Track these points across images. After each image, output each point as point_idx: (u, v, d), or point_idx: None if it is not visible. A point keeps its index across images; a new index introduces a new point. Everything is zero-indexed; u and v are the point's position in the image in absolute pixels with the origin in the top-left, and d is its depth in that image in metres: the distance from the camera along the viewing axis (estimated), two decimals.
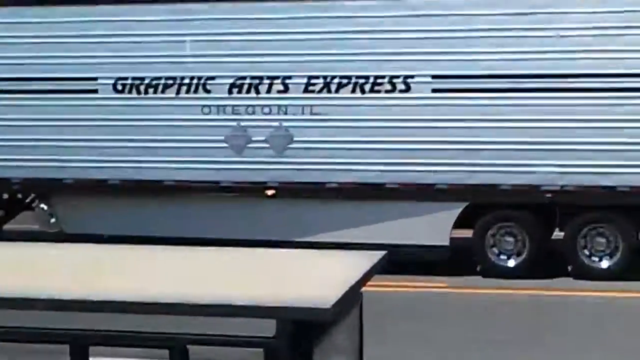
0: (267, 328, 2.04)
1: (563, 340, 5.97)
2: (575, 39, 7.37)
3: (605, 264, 7.64)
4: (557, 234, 8.00)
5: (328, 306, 2.11)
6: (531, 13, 7.37)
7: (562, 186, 7.47)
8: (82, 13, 8.29)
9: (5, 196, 9.19)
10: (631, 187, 7.31)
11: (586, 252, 7.67)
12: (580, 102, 7.28)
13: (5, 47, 8.38)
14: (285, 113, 7.82)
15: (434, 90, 7.65)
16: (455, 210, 7.70)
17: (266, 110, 7.88)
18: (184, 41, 7.83)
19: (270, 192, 7.90)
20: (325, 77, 7.73)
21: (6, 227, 9.26)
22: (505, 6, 7.51)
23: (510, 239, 7.73)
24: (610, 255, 7.64)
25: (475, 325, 6.32)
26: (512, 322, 6.56)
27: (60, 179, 8.43)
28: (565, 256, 7.87)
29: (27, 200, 9.29)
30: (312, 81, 7.75)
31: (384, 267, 2.82)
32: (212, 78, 7.82)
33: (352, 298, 2.60)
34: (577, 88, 7.28)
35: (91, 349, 2.06)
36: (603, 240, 7.61)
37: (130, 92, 8.04)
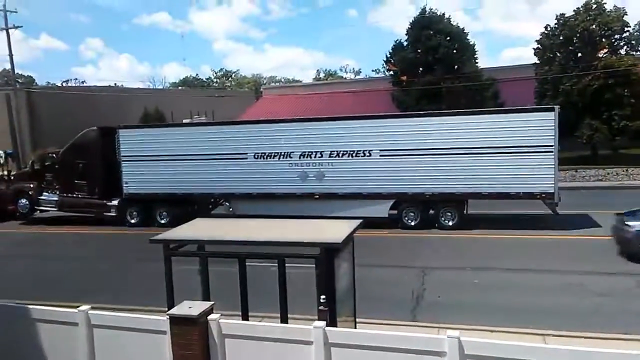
0: (313, 252, 6.83)
1: (426, 254, 16.77)
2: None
3: (451, 222, 18.42)
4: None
5: (340, 241, 7.00)
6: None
7: (431, 194, 18.32)
8: (237, 128, 20.41)
9: (212, 200, 21.74)
10: (455, 193, 18.00)
11: (443, 218, 18.50)
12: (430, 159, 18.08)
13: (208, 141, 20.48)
14: (321, 165, 19.19)
15: (381, 155, 18.74)
16: (390, 201, 18.79)
17: (314, 163, 19.31)
18: (281, 139, 19.53)
19: (316, 197, 19.43)
20: (337, 151, 19.02)
21: (213, 212, 21.73)
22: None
23: (412, 214, 18.77)
24: (453, 219, 18.43)
25: (394, 247, 17.33)
26: (411, 248, 17.43)
27: (233, 193, 20.53)
28: (434, 220, 18.46)
29: (220, 201, 21.77)
30: (331, 152, 19.09)
31: (362, 225, 8.00)
32: (292, 152, 19.42)
33: (349, 238, 7.60)
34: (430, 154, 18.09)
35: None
36: (449, 214, 18.44)
37: (260, 158, 19.84)
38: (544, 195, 17.20)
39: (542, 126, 16.92)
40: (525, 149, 16.98)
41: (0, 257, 17.43)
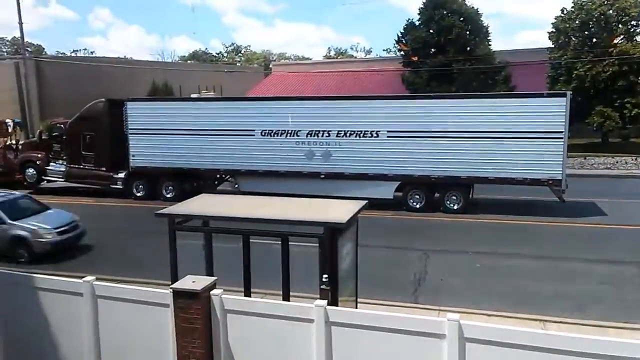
0: (317, 231, 6.93)
1: (430, 237, 16.82)
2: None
3: (456, 206, 18.40)
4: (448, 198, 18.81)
5: (344, 221, 7.07)
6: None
7: (437, 177, 18.26)
8: (245, 104, 20.33)
9: (218, 176, 21.76)
10: (461, 177, 17.91)
11: (448, 202, 18.47)
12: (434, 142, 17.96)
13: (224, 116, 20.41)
14: (328, 144, 19.10)
15: (389, 137, 18.63)
16: (395, 183, 18.76)
17: (321, 143, 19.23)
18: (288, 117, 19.42)
19: (322, 176, 19.39)
20: (345, 131, 18.90)
21: (218, 188, 21.80)
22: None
23: (417, 196, 18.74)
24: (458, 203, 18.40)
25: (398, 229, 17.39)
26: (415, 230, 17.48)
27: (239, 169, 20.52)
28: (439, 203, 18.56)
29: (226, 177, 21.80)
30: (339, 132, 18.98)
31: (366, 206, 8.04)
32: (299, 131, 19.33)
33: (354, 219, 7.58)
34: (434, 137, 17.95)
35: None
36: (454, 197, 18.39)
37: (267, 135, 19.77)
38: (551, 181, 17.10)
39: (553, 112, 16.72)
40: (535, 135, 16.81)
41: None
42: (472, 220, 17.26)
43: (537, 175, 17.07)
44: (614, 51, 29.58)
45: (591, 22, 31.06)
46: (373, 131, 18.52)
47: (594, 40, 31.38)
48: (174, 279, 7.27)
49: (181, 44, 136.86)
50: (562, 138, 16.66)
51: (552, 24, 32.50)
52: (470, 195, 18.47)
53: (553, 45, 32.68)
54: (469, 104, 17.93)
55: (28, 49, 47.29)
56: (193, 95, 31.34)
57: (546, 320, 9.09)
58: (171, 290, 6.04)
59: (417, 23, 34.53)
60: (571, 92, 17.67)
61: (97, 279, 6.66)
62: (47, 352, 6.72)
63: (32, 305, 6.76)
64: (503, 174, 17.31)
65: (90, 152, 22.19)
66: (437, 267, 12.47)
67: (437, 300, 10.13)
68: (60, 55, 65.65)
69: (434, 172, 18.06)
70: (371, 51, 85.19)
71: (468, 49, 32.73)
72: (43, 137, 23.94)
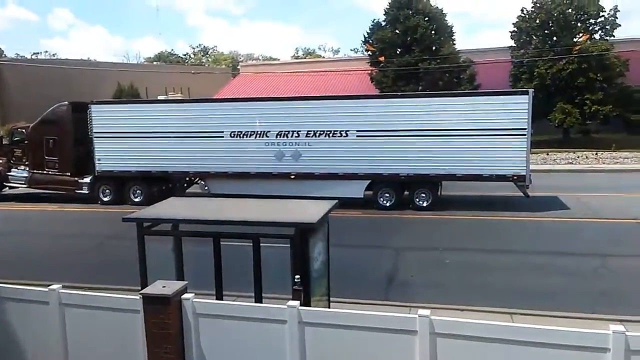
0: (288, 232, 6.93)
1: (400, 235, 17.00)
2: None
3: (425, 203, 18.66)
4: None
5: (315, 221, 7.12)
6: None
7: (406, 175, 18.47)
8: (214, 105, 20.13)
9: (187, 179, 21.46)
10: (430, 174, 18.20)
11: (417, 199, 18.72)
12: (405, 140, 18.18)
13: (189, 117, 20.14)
14: (298, 145, 19.07)
15: (358, 136, 18.75)
16: (365, 182, 18.87)
17: (290, 143, 19.20)
18: (257, 118, 19.33)
19: (292, 177, 19.37)
20: (314, 131, 18.91)
21: (188, 191, 21.51)
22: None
23: (387, 195, 18.92)
24: (427, 201, 18.67)
25: (368, 228, 17.48)
26: (385, 228, 17.59)
27: (209, 172, 20.30)
28: (408, 201, 18.87)
29: (195, 180, 21.53)
30: (308, 132, 18.99)
31: (337, 206, 8.05)
32: (269, 132, 19.25)
33: (324, 218, 7.67)
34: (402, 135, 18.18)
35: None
36: (423, 195, 18.65)
37: (236, 137, 19.62)
38: (515, 177, 17.52)
39: (516, 109, 17.14)
40: (499, 132, 17.20)
41: None
42: (441, 217, 17.54)
43: (503, 172, 17.47)
44: (574, 49, 30.50)
45: (551, 22, 31.96)
46: (342, 131, 18.61)
47: (554, 39, 32.29)
48: (144, 284, 7.17)
49: (146, 46, 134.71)
50: (525, 135, 17.09)
51: (514, 23, 33.32)
52: (439, 193, 18.76)
53: (515, 45, 33.49)
54: (434, 102, 18.22)
55: None
56: (160, 97, 30.89)
57: (514, 313, 9.31)
58: (141, 295, 5.96)
59: (383, 23, 34.88)
60: (533, 90, 18.10)
61: (64, 287, 6.51)
62: None
63: None
64: (470, 170, 17.65)
65: (53, 157, 21.62)
66: (408, 264, 12.63)
67: (408, 297, 10.26)
68: (20, 58, 63.73)
69: (403, 171, 18.28)
70: (339, 51, 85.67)
71: (433, 48, 33.27)
72: (4, 142, 23.21)
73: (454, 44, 34.61)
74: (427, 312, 5.31)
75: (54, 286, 6.40)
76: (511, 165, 17.34)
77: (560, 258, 12.69)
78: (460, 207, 18.39)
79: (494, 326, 5.23)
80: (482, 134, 17.29)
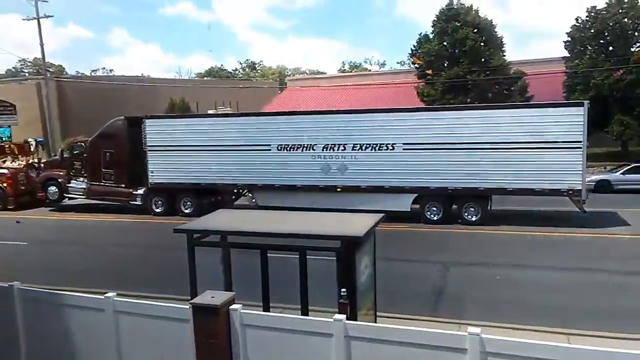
0: (334, 245, 6.94)
1: (448, 249, 16.69)
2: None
3: (474, 218, 18.23)
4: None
5: (361, 234, 7.00)
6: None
7: (454, 189, 18.13)
8: (261, 119, 20.50)
9: (235, 191, 21.89)
10: (479, 188, 17.78)
11: (466, 214, 18.30)
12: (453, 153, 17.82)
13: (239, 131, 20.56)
14: (344, 158, 19.10)
15: (404, 149, 18.58)
16: (412, 195, 18.66)
17: (337, 156, 19.25)
18: (304, 131, 19.49)
19: (338, 189, 19.40)
20: (360, 144, 18.91)
21: (236, 203, 21.92)
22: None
23: (434, 208, 18.61)
24: (477, 215, 18.21)
25: (416, 242, 17.24)
26: (433, 243, 17.30)
27: (256, 184, 20.62)
28: (457, 215, 18.44)
29: (243, 192, 21.93)
30: (354, 145, 18.98)
31: (383, 219, 7.94)
32: (315, 145, 19.38)
33: (371, 232, 7.43)
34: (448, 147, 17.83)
35: None
36: (472, 209, 18.21)
37: (283, 150, 19.85)
38: (571, 192, 16.87)
39: (570, 121, 16.57)
40: (553, 145, 16.66)
41: (34, 243, 17.88)
42: (492, 232, 17.07)
43: (557, 186, 16.87)
44: (631, 59, 29.24)
45: (606, 31, 30.78)
46: (389, 144, 18.51)
47: (610, 48, 31.06)
48: (194, 294, 7.31)
49: (197, 62, 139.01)
50: (580, 147, 16.46)
51: (567, 33, 32.28)
52: (489, 207, 18.29)
53: (569, 55, 32.43)
54: (485, 114, 17.85)
55: (49, 69, 48.37)
56: (210, 112, 31.70)
57: (571, 334, 8.90)
58: (191, 305, 6.07)
59: (430, 36, 34.60)
60: (589, 101, 17.47)
61: (118, 295, 6.73)
62: None
63: (54, 321, 6.84)
64: (521, 184, 17.14)
65: (109, 169, 22.53)
66: (457, 280, 12.33)
67: (457, 313, 10.00)
68: (79, 75, 67.04)
69: (451, 184, 17.95)
70: (385, 64, 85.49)
71: (483, 60, 32.65)
72: (64, 155, 24.37)
73: (504, 56, 33.86)
74: (477, 329, 5.15)
75: (109, 294, 6.62)
76: (566, 180, 16.71)
77: (622, 277, 12.05)
78: (512, 222, 17.83)
79: (549, 347, 5.01)
80: (535, 146, 16.80)
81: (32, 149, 28.48)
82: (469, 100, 31.24)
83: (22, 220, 21.75)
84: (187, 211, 21.15)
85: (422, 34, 35.28)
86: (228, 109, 40.93)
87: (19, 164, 27.05)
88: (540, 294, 11.22)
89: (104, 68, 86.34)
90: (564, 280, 12.10)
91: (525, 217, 18.62)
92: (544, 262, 13.42)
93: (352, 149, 18.88)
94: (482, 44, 32.76)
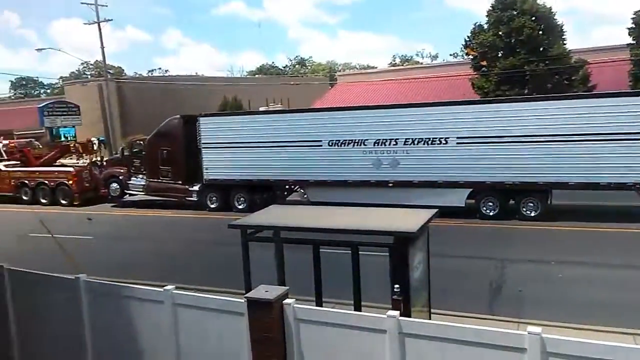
0: (387, 240, 6.96)
1: (506, 246, 16.18)
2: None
3: (533, 213, 17.57)
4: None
5: (414, 230, 7.03)
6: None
7: (512, 183, 17.54)
8: (312, 115, 20.57)
9: (287, 187, 22.14)
10: (538, 182, 17.10)
11: (524, 209, 17.66)
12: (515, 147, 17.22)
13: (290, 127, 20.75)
14: (396, 152, 18.92)
15: (458, 143, 18.14)
16: (467, 190, 18.20)
17: (388, 151, 19.06)
18: (355, 126, 19.39)
19: (390, 184, 19.19)
20: (412, 139, 18.63)
21: (288, 198, 22.15)
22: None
23: (490, 204, 18.08)
24: (536, 210, 17.55)
25: (471, 238, 16.83)
26: (489, 239, 16.55)
27: (308, 180, 20.74)
28: (514, 210, 17.76)
29: (295, 188, 22.14)
30: (406, 139, 18.73)
31: (437, 215, 7.94)
32: (366, 140, 19.25)
33: (424, 227, 7.46)
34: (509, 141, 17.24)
35: None
36: (531, 204, 17.56)
37: (334, 145, 19.84)
38: (638, 185, 15.96)
39: (636, 111, 15.65)
40: (618, 136, 15.80)
41: (99, 237, 18.76)
42: (552, 227, 16.41)
43: (622, 179, 16.00)
44: None
45: None
46: (442, 138, 18.12)
47: None
48: (248, 288, 7.43)
49: (249, 60, 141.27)
50: None
51: (632, 19, 30.49)
52: (549, 202, 17.58)
53: (634, 42, 30.64)
54: (544, 106, 17.11)
55: (110, 71, 50.48)
56: (261, 109, 32.14)
57: (637, 334, 8.43)
58: (245, 299, 6.17)
59: (485, 26, 33.57)
60: None
61: (176, 288, 6.93)
62: (132, 358, 7.05)
63: (116, 312, 7.14)
64: (584, 178, 16.38)
65: (167, 166, 23.26)
66: (515, 277, 11.94)
67: (516, 312, 9.68)
68: (137, 75, 69.59)
69: (508, 178, 17.38)
70: (437, 57, 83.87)
71: (541, 49, 31.36)
72: (125, 153, 25.36)
73: (564, 44, 32.37)
74: (538, 329, 4.96)
75: (168, 287, 6.83)
76: (632, 173, 15.82)
77: None
78: (574, 218, 17.08)
79: (613, 347, 4.75)
80: (598, 138, 15.99)
81: (95, 148, 29.85)
82: (526, 91, 30.11)
83: (91, 217, 22.72)
84: (240, 207, 21.55)
85: (476, 24, 34.27)
86: (279, 105, 41.38)
87: (83, 162, 28.46)
88: (607, 292, 10.69)
89: (160, 68, 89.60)
90: (629, 278, 11.46)
91: (588, 212, 17.78)
92: (611, 259, 12.76)
93: (404, 144, 18.63)
94: (540, 32, 31.44)
